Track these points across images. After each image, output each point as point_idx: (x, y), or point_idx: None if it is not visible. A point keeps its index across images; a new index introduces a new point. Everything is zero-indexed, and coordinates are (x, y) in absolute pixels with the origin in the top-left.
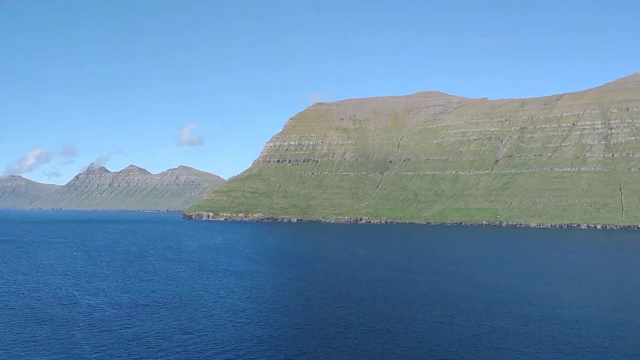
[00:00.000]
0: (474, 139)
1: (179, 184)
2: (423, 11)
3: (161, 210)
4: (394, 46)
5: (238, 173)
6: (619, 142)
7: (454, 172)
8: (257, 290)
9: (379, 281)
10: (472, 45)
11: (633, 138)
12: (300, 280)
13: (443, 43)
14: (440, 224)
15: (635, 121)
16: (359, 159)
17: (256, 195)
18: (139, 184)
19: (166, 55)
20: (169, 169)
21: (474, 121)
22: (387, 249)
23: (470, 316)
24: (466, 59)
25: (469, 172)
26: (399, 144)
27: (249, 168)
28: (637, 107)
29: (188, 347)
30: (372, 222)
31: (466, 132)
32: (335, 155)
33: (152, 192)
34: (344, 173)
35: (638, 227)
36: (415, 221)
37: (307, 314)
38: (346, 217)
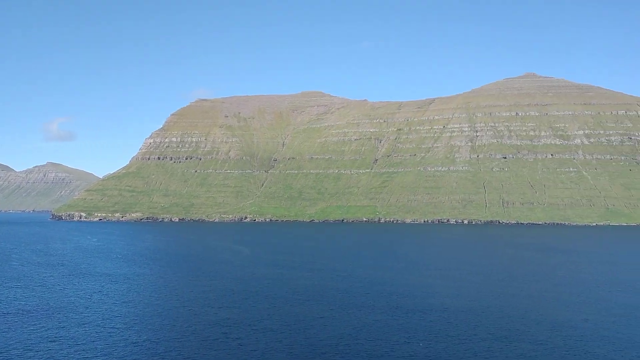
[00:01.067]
0: (355, 139)
1: (47, 182)
2: (307, 12)
3: (27, 211)
4: (279, 45)
5: (114, 171)
6: (483, 144)
7: (336, 171)
8: (135, 293)
9: (263, 279)
10: (354, 49)
11: (495, 140)
12: (181, 281)
13: (326, 44)
14: (324, 221)
15: (497, 125)
16: (244, 157)
17: (134, 194)
18: (0, 182)
19: (34, 43)
20: (36, 166)
21: (355, 122)
22: (271, 247)
23: (350, 310)
24: (348, 61)
25: (351, 171)
26: (283, 142)
27: (127, 165)
28: (499, 112)
29: (56, 357)
30: (257, 220)
31: (348, 132)
32: (220, 153)
33: (16, 190)
34: (229, 171)
35: (499, 222)
36: (300, 219)
37: (188, 316)
38: (231, 216)
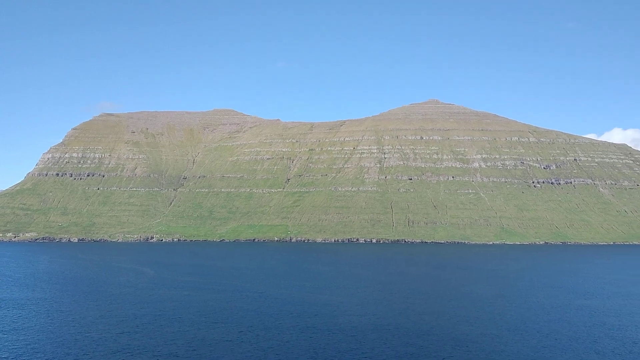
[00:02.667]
0: (268, 158)
1: None
2: (220, 29)
3: None
4: (190, 61)
5: (7, 187)
6: (391, 165)
7: (248, 190)
8: (26, 319)
9: (169, 301)
10: (268, 68)
11: (401, 162)
12: (78, 306)
13: (240, 63)
14: (235, 241)
15: (403, 147)
16: (151, 175)
17: (29, 212)
18: None
19: None
20: None
21: (268, 141)
22: (178, 268)
23: (259, 331)
24: (262, 80)
25: (263, 190)
26: (194, 160)
27: (21, 182)
28: (405, 136)
29: None
30: (164, 240)
31: (260, 151)
32: (125, 170)
33: None
34: (135, 189)
35: (404, 241)
36: (210, 239)
37: (85, 343)
38: (136, 236)
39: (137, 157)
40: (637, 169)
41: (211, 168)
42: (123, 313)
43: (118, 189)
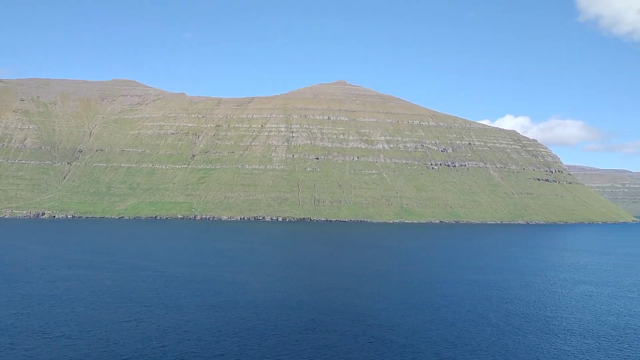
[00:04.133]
0: (172, 133)
1: None
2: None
3: None
4: (88, 25)
5: None
6: (298, 144)
7: (150, 166)
8: None
9: (61, 281)
10: (173, 39)
11: (309, 142)
12: None
13: (142, 31)
14: (135, 218)
15: (311, 127)
16: (43, 147)
17: None
18: None
19: None
20: None
21: (173, 115)
22: (72, 245)
23: (159, 311)
24: (166, 51)
25: (166, 166)
26: (90, 132)
27: None
28: (313, 115)
29: None
30: (57, 216)
31: (164, 125)
32: (13, 141)
33: None
34: (24, 162)
35: (310, 219)
36: (108, 215)
37: None
38: (25, 212)
39: (26, 127)
40: (524, 154)
41: (110, 141)
42: (9, 293)
43: (5, 161)
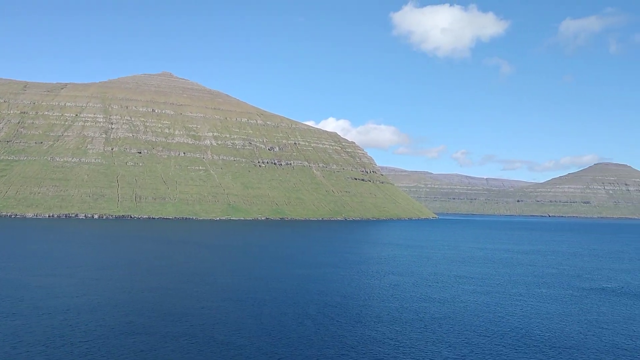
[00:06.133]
0: None
1: None
2: None
3: None
4: None
5: None
6: (119, 137)
7: None
8: None
9: None
10: None
11: (131, 134)
12: None
13: None
14: None
15: (133, 119)
16: None
17: None
18: None
19: None
20: None
21: None
22: None
23: None
24: None
25: None
26: None
27: None
28: (135, 106)
29: None
30: None
31: None
32: None
33: None
34: None
35: (130, 216)
36: None
37: None
38: None
39: None
40: (343, 154)
41: None
42: None
43: None
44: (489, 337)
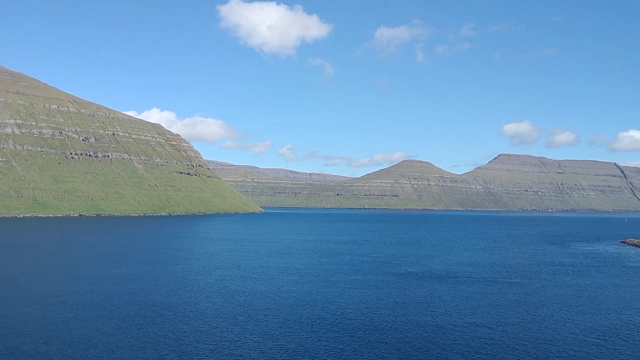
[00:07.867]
0: None
1: None
2: None
3: None
4: None
5: None
6: None
7: None
8: None
9: None
10: None
11: None
12: None
13: None
14: None
15: None
16: None
17: None
18: None
19: None
20: None
21: None
22: None
23: None
24: None
25: None
26: None
27: None
28: None
29: None
30: None
31: None
32: None
33: None
34: None
35: None
36: None
37: None
38: None
39: None
40: (168, 147)
41: None
42: None
43: None
44: (310, 325)
